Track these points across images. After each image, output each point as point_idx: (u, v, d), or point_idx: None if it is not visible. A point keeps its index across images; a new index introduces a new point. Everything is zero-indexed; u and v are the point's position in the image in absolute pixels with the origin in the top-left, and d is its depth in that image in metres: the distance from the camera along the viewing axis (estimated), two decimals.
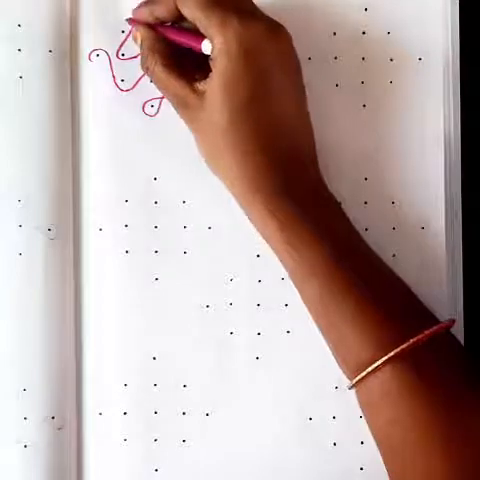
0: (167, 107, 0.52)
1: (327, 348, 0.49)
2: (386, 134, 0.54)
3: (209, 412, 0.54)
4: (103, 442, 0.53)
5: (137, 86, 0.54)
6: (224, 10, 0.48)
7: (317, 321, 0.49)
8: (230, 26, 0.47)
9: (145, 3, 0.51)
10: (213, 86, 0.48)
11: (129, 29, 0.53)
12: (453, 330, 0.49)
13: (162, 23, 0.51)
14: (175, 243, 0.54)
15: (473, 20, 0.54)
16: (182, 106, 0.50)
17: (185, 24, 0.51)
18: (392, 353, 0.46)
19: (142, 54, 0.51)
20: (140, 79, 0.53)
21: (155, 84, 0.51)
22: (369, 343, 0.47)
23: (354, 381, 0.47)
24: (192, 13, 0.48)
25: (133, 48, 0.53)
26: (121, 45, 0.54)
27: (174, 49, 0.51)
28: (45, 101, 0.53)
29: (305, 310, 0.51)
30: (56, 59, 0.53)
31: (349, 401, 0.51)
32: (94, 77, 0.54)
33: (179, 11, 0.49)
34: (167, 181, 0.54)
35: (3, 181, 0.52)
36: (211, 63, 0.48)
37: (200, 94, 0.49)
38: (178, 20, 0.51)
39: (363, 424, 0.50)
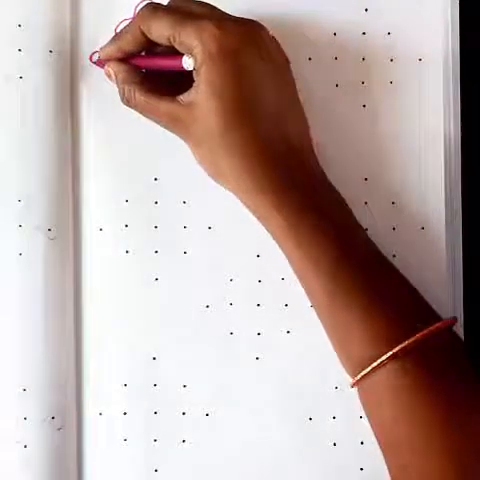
0: None
1: (327, 348, 0.49)
2: (386, 134, 0.54)
3: (209, 412, 0.54)
4: (103, 442, 0.53)
5: None
6: (196, 20, 0.48)
7: (322, 316, 0.49)
8: (206, 30, 0.47)
9: (110, 41, 0.51)
10: (200, 94, 0.48)
11: None
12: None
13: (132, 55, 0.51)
14: (175, 243, 0.54)
15: (473, 20, 0.54)
16: (172, 124, 0.50)
17: (158, 49, 0.51)
18: (397, 348, 0.46)
19: (119, 88, 0.51)
20: None
21: (141, 113, 0.51)
22: (375, 339, 0.47)
23: (358, 376, 0.47)
24: (163, 34, 0.48)
25: None
26: None
27: (147, 73, 0.51)
28: (45, 101, 0.53)
29: (305, 310, 0.51)
30: (56, 59, 0.53)
31: (349, 401, 0.51)
32: (94, 77, 0.54)
33: (146, 38, 0.49)
34: (167, 181, 0.54)
35: (3, 181, 0.52)
36: (195, 73, 0.48)
37: (187, 105, 0.48)
38: (147, 47, 0.50)
39: (363, 424, 0.50)
